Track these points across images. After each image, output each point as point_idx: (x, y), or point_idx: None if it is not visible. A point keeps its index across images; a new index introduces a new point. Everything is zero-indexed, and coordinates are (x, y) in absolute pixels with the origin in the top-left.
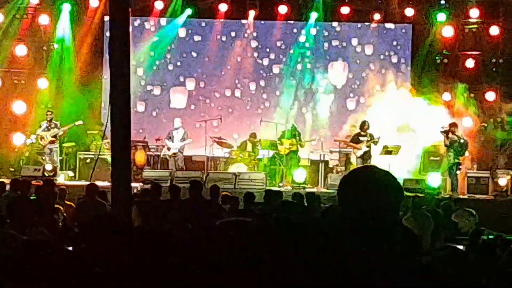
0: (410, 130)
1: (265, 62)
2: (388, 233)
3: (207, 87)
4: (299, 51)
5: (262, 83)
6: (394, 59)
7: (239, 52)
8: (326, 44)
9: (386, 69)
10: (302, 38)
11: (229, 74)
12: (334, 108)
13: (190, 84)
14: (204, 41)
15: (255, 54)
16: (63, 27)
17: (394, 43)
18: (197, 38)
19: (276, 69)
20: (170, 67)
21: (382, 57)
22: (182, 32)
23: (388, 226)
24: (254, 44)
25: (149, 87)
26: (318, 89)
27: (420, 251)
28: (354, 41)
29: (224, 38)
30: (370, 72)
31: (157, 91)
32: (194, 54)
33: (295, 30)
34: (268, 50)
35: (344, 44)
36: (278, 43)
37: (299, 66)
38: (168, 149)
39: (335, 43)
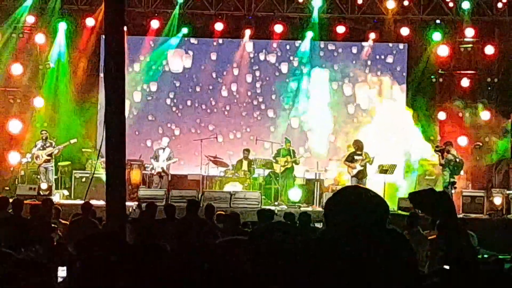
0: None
1: (260, 80)
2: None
3: (202, 104)
4: (294, 71)
5: (256, 101)
6: (390, 79)
7: (234, 70)
8: (322, 64)
9: (381, 88)
10: (297, 58)
11: (224, 92)
12: (330, 127)
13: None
14: (199, 60)
15: (251, 71)
16: (59, 46)
17: (390, 62)
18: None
19: (271, 87)
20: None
21: (377, 76)
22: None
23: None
24: (249, 62)
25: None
26: (313, 109)
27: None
28: (349, 61)
29: (219, 56)
30: (366, 92)
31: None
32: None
33: (289, 49)
34: (263, 68)
35: (340, 64)
36: (274, 62)
37: (293, 85)
38: (152, 168)
39: (330, 63)
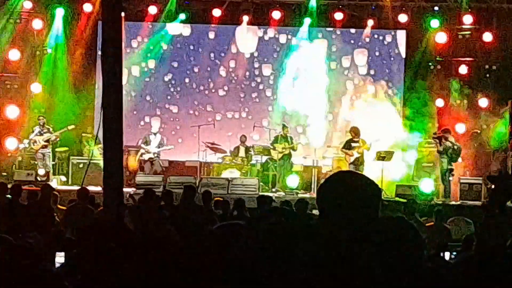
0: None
1: (258, 66)
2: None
3: (200, 91)
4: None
5: (254, 87)
6: (387, 65)
7: (232, 56)
8: (321, 50)
9: (379, 75)
10: (295, 43)
11: (221, 77)
12: (327, 114)
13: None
14: (197, 46)
15: (249, 59)
16: (57, 31)
17: (387, 48)
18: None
19: (268, 72)
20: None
21: (375, 63)
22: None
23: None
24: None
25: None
26: (311, 94)
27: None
28: (348, 47)
29: (217, 43)
30: (363, 79)
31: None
32: (187, 59)
33: (289, 36)
34: (262, 55)
35: (338, 50)
36: (273, 48)
37: (293, 71)
38: (145, 153)
39: (329, 49)
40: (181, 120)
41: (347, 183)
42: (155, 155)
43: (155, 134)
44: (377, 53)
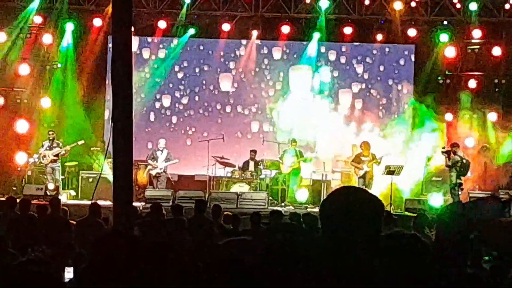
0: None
1: (268, 81)
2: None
3: (208, 106)
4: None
5: (263, 103)
6: (397, 80)
7: (241, 70)
8: (329, 67)
9: (389, 89)
10: (305, 58)
11: (229, 93)
12: (337, 128)
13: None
14: (206, 61)
15: (257, 73)
16: (67, 46)
17: (397, 63)
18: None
19: (278, 87)
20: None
21: (385, 78)
22: (184, 52)
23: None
24: (256, 63)
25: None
26: (320, 110)
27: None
28: (356, 63)
29: (226, 57)
30: (373, 93)
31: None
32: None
33: (297, 50)
34: (270, 68)
35: (347, 66)
36: (280, 62)
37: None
38: (152, 169)
39: (338, 65)
40: (190, 135)
41: (349, 198)
42: (162, 170)
43: (161, 150)
44: (386, 67)
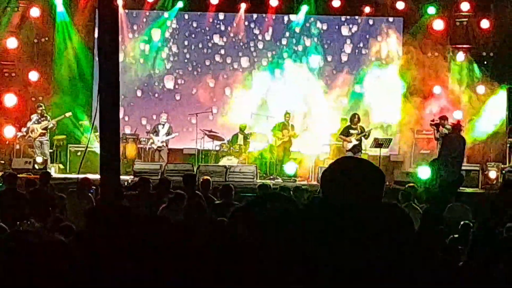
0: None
1: (255, 54)
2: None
3: (196, 78)
4: (291, 44)
5: (252, 75)
6: (385, 52)
7: (229, 43)
8: (316, 39)
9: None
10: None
11: (218, 65)
12: (326, 101)
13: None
14: (195, 34)
15: (246, 46)
16: (54, 20)
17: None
18: (187, 30)
19: (265, 62)
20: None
21: (374, 49)
22: (173, 25)
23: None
24: (244, 36)
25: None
26: (310, 82)
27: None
28: (345, 32)
29: (214, 30)
30: (363, 66)
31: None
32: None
33: (285, 22)
34: (258, 42)
35: (337, 37)
36: (268, 36)
37: (291, 59)
38: (152, 143)
39: (327, 37)
40: (179, 108)
41: (351, 168)
42: (163, 143)
43: (163, 124)
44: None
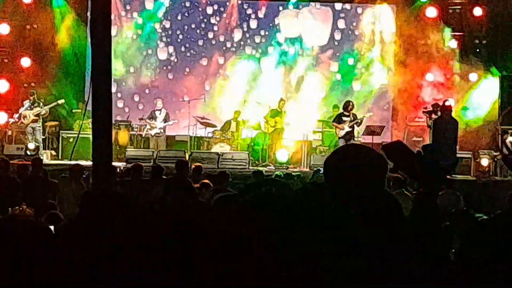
0: None
1: (248, 46)
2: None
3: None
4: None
5: (245, 61)
6: (378, 39)
7: (222, 29)
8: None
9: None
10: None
11: (211, 50)
12: (320, 88)
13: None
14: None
15: (238, 38)
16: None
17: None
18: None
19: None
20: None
21: (366, 37)
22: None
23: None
24: (237, 28)
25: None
26: (303, 69)
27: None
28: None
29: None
30: (355, 55)
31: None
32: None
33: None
34: (251, 33)
35: (329, 24)
36: (262, 28)
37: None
38: (151, 128)
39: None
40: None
41: (354, 155)
42: (161, 130)
43: (159, 110)
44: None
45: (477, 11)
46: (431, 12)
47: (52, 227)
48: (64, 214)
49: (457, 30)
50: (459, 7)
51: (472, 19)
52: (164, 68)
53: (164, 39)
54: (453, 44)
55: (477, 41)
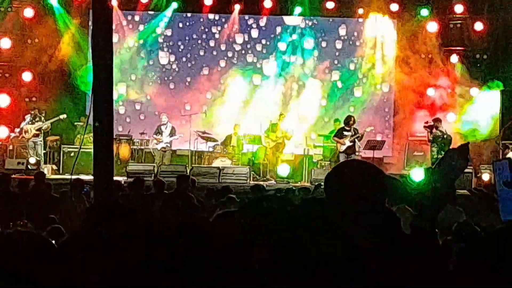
0: None
1: (249, 56)
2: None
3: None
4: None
5: (247, 77)
6: (379, 54)
7: (223, 45)
8: (311, 40)
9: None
10: (287, 34)
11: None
12: (320, 103)
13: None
14: (189, 36)
15: (239, 48)
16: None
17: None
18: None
19: (260, 63)
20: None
21: (367, 51)
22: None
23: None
24: (238, 38)
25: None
26: (303, 84)
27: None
28: (339, 35)
29: (208, 32)
30: (356, 67)
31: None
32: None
33: (279, 24)
34: (252, 43)
35: (329, 38)
36: (263, 38)
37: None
38: (157, 143)
39: (320, 37)
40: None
41: (354, 171)
42: (167, 144)
43: (165, 125)
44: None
45: (478, 26)
46: (432, 27)
47: (53, 242)
48: (65, 229)
49: (457, 45)
50: (460, 22)
51: (473, 33)
52: (166, 79)
53: (166, 49)
54: (454, 59)
55: (478, 56)
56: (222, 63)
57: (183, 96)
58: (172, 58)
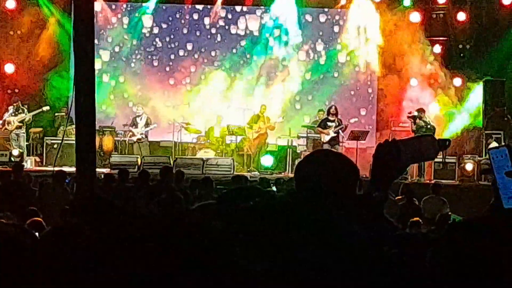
0: None
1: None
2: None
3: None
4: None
5: (228, 68)
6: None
7: (206, 35)
8: (294, 28)
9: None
10: (269, 23)
11: (195, 57)
12: (303, 93)
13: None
14: (171, 27)
15: (222, 37)
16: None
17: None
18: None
19: (244, 55)
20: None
21: (350, 40)
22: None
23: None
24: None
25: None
26: (287, 74)
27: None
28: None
29: (191, 23)
30: (339, 57)
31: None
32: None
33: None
34: (234, 34)
35: (313, 27)
36: (244, 28)
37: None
38: (132, 135)
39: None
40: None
41: (324, 161)
42: (143, 135)
43: (140, 116)
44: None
45: (461, 16)
46: (415, 17)
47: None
48: (46, 221)
49: (440, 35)
50: (443, 12)
51: (455, 24)
52: (149, 71)
53: (149, 42)
54: (437, 49)
55: (461, 46)
56: (203, 54)
57: (165, 87)
58: (152, 48)
